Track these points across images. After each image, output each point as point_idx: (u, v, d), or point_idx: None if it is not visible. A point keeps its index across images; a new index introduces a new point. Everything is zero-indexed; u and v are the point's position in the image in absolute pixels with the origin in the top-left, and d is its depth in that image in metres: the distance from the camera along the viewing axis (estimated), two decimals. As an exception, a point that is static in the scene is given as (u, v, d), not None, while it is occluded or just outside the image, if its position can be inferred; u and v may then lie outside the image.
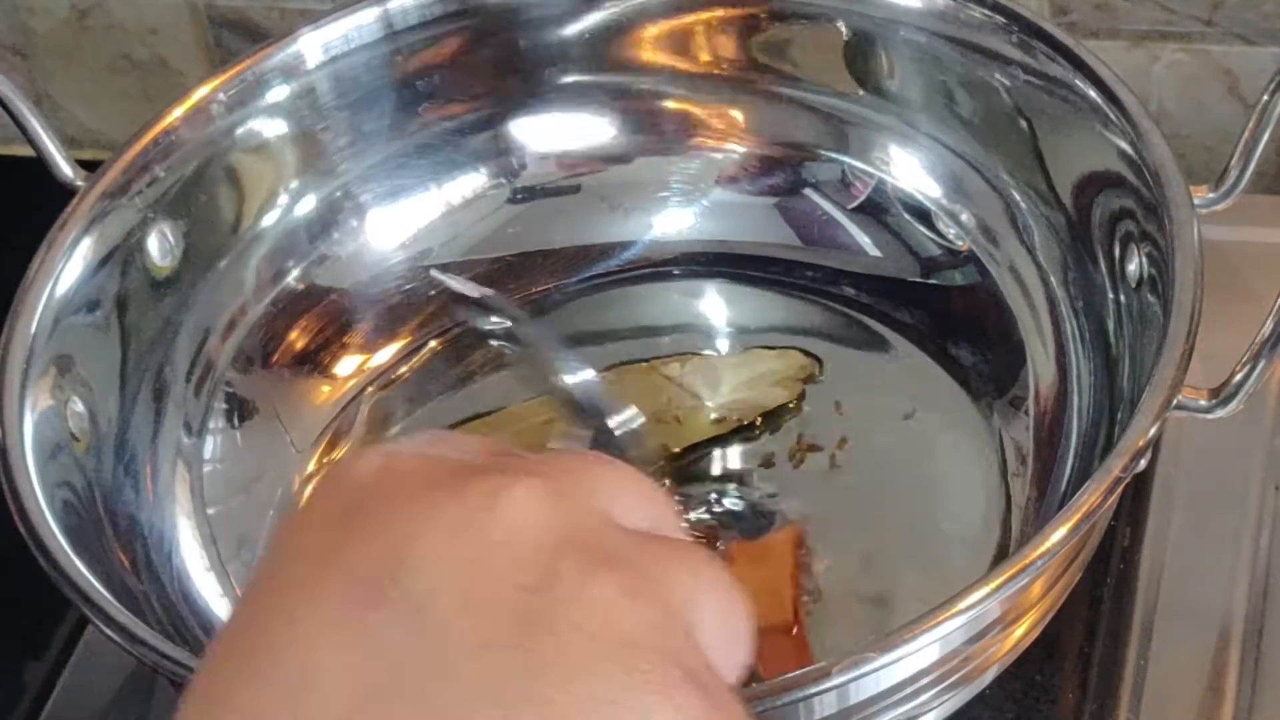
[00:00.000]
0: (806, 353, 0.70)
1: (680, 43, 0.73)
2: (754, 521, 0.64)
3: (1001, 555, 0.62)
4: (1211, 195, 0.61)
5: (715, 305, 0.72)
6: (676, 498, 0.65)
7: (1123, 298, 0.62)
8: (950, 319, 0.69)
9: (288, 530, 0.37)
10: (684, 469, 0.67)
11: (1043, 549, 0.50)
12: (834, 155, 0.72)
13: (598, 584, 0.35)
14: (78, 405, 0.61)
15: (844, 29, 0.70)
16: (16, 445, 0.57)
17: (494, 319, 0.65)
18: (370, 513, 0.36)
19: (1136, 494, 0.65)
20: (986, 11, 0.66)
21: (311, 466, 0.69)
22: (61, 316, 0.62)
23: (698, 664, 0.36)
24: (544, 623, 0.34)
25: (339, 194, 0.72)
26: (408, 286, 0.73)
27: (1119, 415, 0.60)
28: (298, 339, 0.71)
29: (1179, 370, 0.53)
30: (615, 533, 0.37)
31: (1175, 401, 0.53)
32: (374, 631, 0.34)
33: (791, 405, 0.68)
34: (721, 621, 0.37)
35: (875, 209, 0.72)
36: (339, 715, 0.33)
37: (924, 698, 0.52)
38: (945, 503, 0.64)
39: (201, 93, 0.67)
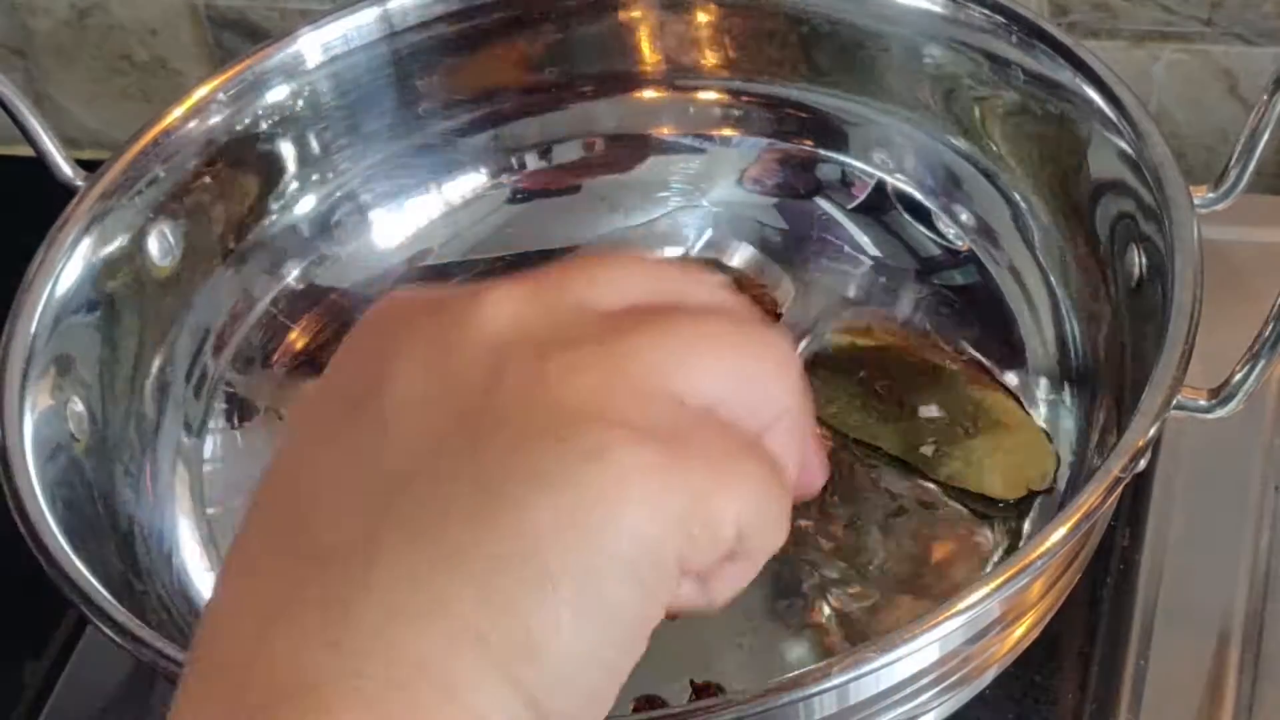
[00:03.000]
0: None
1: (681, 42, 0.73)
2: None
3: (1001, 557, 0.62)
4: (1211, 195, 0.61)
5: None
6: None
7: (1123, 297, 0.62)
8: (950, 319, 0.69)
9: (323, 375, 0.40)
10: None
11: (1043, 549, 0.50)
12: (834, 155, 0.72)
13: (542, 366, 0.36)
14: (78, 405, 0.61)
15: (844, 29, 0.70)
16: (16, 445, 0.57)
17: None
18: (365, 344, 0.39)
19: (1136, 494, 0.65)
20: (986, 12, 0.66)
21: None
22: (61, 316, 0.62)
23: (655, 415, 0.36)
24: (487, 411, 0.36)
25: (339, 194, 0.72)
26: (408, 286, 0.73)
27: (1119, 415, 0.60)
28: (298, 339, 0.71)
29: (1179, 370, 0.53)
30: (586, 318, 0.38)
31: (1175, 401, 0.53)
32: (350, 441, 0.37)
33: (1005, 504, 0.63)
34: (705, 356, 0.38)
35: (875, 209, 0.72)
36: (318, 516, 0.36)
37: (924, 698, 0.52)
38: (945, 501, 0.64)
39: (201, 93, 0.67)
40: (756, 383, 0.39)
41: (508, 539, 0.34)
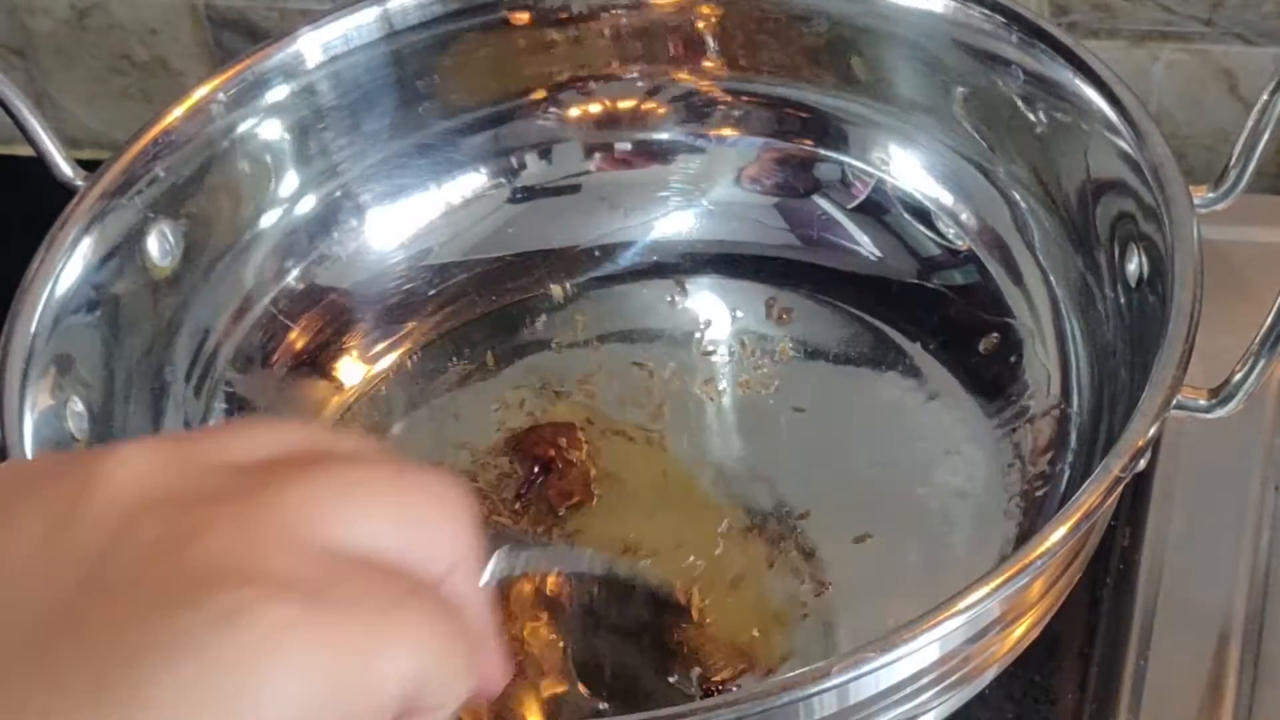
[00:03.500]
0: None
1: (681, 42, 0.73)
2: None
3: (1002, 555, 0.62)
4: (1211, 195, 0.61)
5: (715, 305, 0.72)
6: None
7: (1123, 297, 0.62)
8: (950, 319, 0.69)
9: None
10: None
11: (1042, 549, 0.50)
12: (834, 155, 0.72)
13: (170, 526, 0.33)
14: (78, 405, 0.61)
15: (845, 29, 0.70)
16: (16, 445, 0.57)
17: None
18: None
19: (1136, 494, 0.65)
20: (986, 11, 0.66)
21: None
22: (61, 316, 0.62)
23: (301, 567, 0.33)
24: (104, 582, 0.32)
25: (339, 194, 0.72)
26: (408, 286, 0.73)
27: (1119, 415, 0.60)
28: (298, 339, 0.71)
29: (1179, 370, 0.53)
30: (224, 474, 0.34)
31: (1175, 401, 0.53)
32: None
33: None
34: (359, 501, 0.35)
35: (875, 209, 0.72)
36: None
37: (924, 698, 0.52)
38: (945, 501, 0.64)
39: (201, 93, 0.67)
40: (422, 529, 0.36)
41: (136, 716, 0.30)
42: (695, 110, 0.74)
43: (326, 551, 0.33)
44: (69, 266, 0.63)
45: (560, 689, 0.56)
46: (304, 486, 0.34)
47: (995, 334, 0.68)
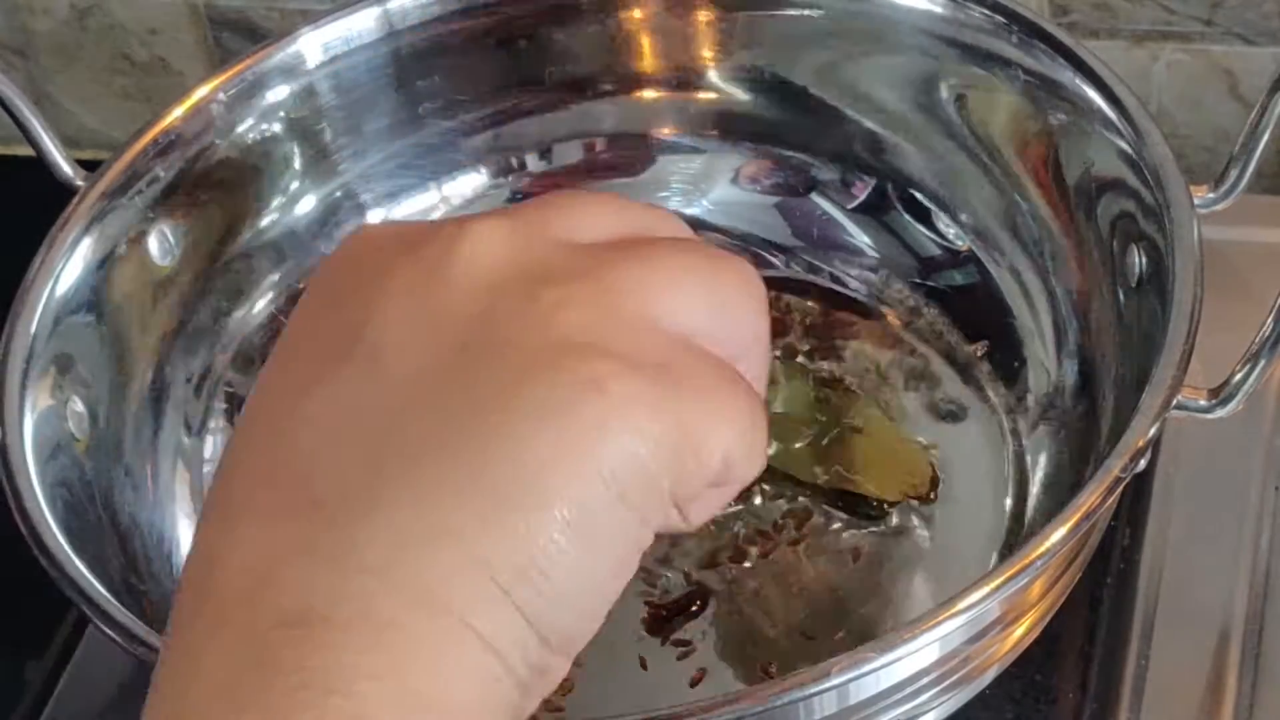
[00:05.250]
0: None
1: (680, 43, 0.73)
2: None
3: (1002, 555, 0.62)
4: (1211, 195, 0.61)
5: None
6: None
7: (1123, 297, 0.62)
8: (950, 319, 0.69)
9: (291, 321, 0.40)
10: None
11: (1043, 549, 0.50)
12: (834, 155, 0.72)
13: (533, 300, 0.37)
14: (78, 405, 0.61)
15: (844, 29, 0.70)
16: (16, 445, 0.57)
17: None
18: (339, 287, 0.39)
19: (1136, 494, 0.65)
20: (986, 11, 0.66)
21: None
22: (61, 316, 0.62)
23: (646, 347, 0.37)
24: (481, 345, 0.37)
25: (339, 194, 0.72)
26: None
27: (1119, 415, 0.60)
28: (298, 339, 0.71)
29: (1179, 370, 0.53)
30: (569, 252, 0.38)
31: (1175, 401, 0.53)
32: (337, 385, 0.37)
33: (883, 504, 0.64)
34: (686, 286, 0.39)
35: (875, 209, 0.72)
36: (314, 459, 0.36)
37: (924, 698, 0.52)
38: (945, 501, 0.64)
39: (201, 93, 0.67)
40: (730, 311, 0.40)
41: (508, 467, 0.35)
42: (695, 110, 0.74)
43: (662, 331, 0.38)
44: (69, 266, 0.63)
45: None
46: (640, 269, 0.38)
47: (995, 334, 0.68)
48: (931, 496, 0.64)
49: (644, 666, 0.61)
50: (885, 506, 0.64)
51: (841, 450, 0.65)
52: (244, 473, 0.38)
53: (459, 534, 0.35)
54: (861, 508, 0.64)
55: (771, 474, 0.64)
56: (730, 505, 0.64)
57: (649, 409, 0.36)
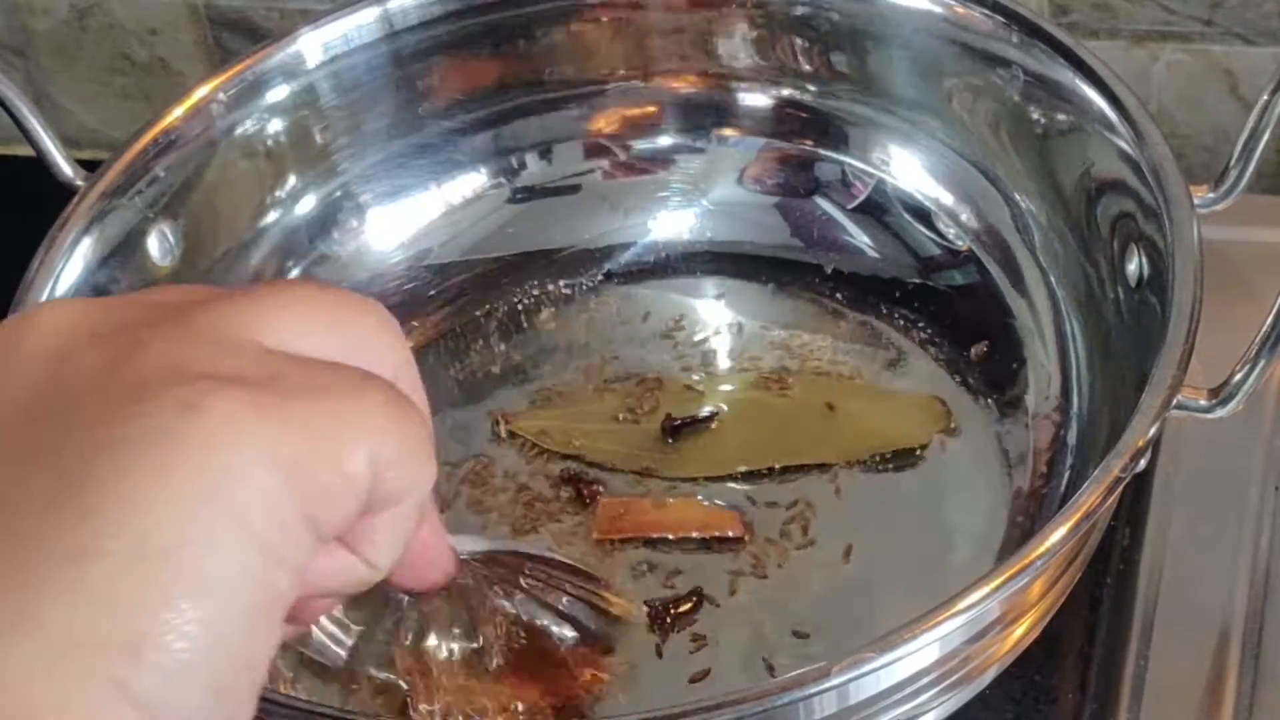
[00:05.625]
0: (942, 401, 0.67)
1: (680, 42, 0.73)
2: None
3: (1001, 555, 0.62)
4: (1211, 195, 0.61)
5: (715, 305, 0.72)
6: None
7: (1123, 297, 0.62)
8: (950, 319, 0.69)
9: None
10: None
11: (1042, 549, 0.50)
12: (834, 155, 0.72)
13: (106, 351, 0.33)
14: (78, 405, 0.61)
15: (844, 29, 0.70)
16: (16, 445, 0.57)
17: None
18: None
19: (1136, 494, 0.65)
20: (986, 11, 0.66)
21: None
22: (61, 316, 0.62)
23: (246, 365, 0.32)
24: (54, 399, 0.32)
25: (339, 194, 0.72)
26: (408, 286, 0.73)
27: (1119, 415, 0.60)
28: (298, 339, 0.71)
29: (1179, 370, 0.53)
30: (145, 309, 0.34)
31: (1175, 401, 0.53)
32: None
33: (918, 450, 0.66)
34: (297, 310, 0.35)
35: (875, 209, 0.72)
36: None
37: (924, 698, 0.52)
38: (942, 500, 0.64)
39: (201, 93, 0.67)
40: (360, 338, 0.35)
41: (93, 518, 0.30)
42: (695, 110, 0.74)
43: (267, 349, 0.33)
44: (69, 266, 0.63)
45: None
46: (240, 302, 0.34)
47: (995, 334, 0.68)
48: (952, 426, 0.66)
49: (646, 664, 0.61)
50: (919, 451, 0.66)
51: (850, 425, 0.66)
52: None
53: (42, 613, 0.30)
54: (895, 460, 0.66)
55: (782, 472, 0.65)
56: (730, 505, 0.64)
57: (259, 418, 0.32)
